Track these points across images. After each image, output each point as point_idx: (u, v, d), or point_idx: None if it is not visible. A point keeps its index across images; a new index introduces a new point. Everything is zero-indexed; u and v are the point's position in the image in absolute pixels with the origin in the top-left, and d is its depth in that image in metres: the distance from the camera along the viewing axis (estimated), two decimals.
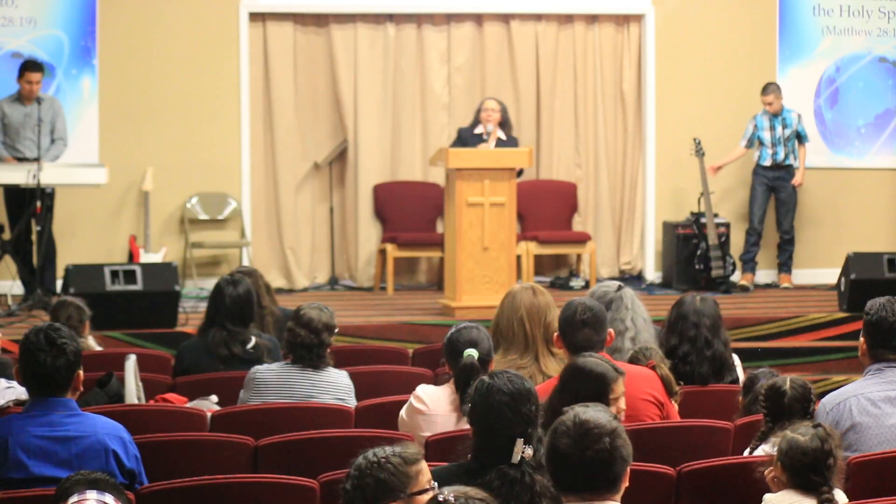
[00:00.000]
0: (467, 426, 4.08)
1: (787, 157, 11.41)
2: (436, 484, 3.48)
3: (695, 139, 11.33)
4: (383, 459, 3.44)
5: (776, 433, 4.61)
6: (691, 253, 11.42)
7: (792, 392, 4.70)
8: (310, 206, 11.78)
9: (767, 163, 11.40)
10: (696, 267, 11.29)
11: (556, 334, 5.43)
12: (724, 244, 11.32)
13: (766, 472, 4.21)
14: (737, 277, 11.49)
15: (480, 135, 10.49)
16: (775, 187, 11.44)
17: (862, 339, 5.00)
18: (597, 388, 4.50)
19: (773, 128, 11.38)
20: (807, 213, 12.03)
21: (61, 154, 10.34)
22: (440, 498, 3.14)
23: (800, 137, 11.46)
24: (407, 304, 10.67)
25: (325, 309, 5.95)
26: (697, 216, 11.43)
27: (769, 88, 11.40)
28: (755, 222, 11.42)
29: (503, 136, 10.54)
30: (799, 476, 4.08)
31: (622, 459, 3.42)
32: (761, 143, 11.41)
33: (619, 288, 6.08)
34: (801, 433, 4.13)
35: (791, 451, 4.09)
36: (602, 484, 3.41)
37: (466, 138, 10.47)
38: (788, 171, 11.42)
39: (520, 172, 10.16)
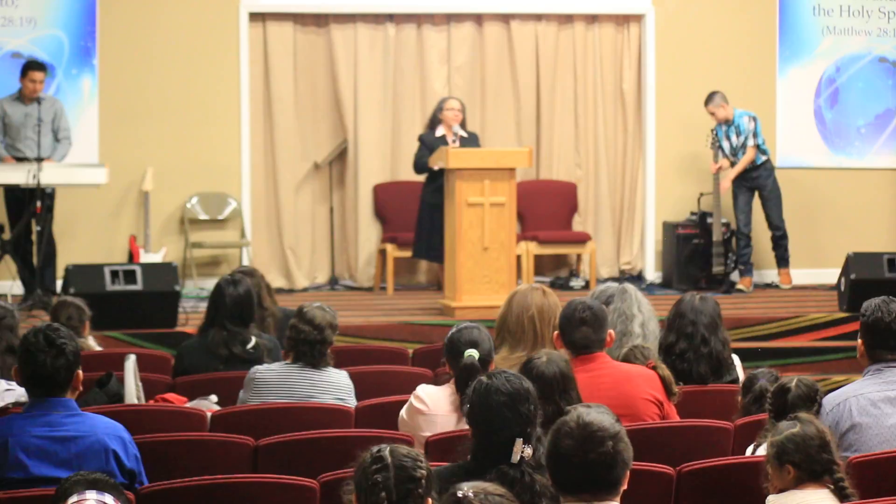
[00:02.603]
0: (454, 418, 4.08)
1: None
2: None
3: (712, 130, 11.28)
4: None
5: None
6: (691, 253, 11.42)
7: (796, 391, 4.71)
8: (310, 206, 11.78)
9: (733, 176, 11.31)
10: (699, 253, 11.27)
11: (555, 333, 5.43)
12: (727, 241, 11.29)
13: (769, 485, 4.18)
14: (735, 278, 11.48)
15: (443, 137, 10.48)
16: (755, 187, 11.37)
17: (860, 340, 5.01)
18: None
19: (728, 137, 11.31)
20: (807, 212, 12.02)
21: (68, 152, 10.35)
22: (459, 494, 3.13)
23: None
24: (407, 304, 10.67)
25: (328, 308, 5.95)
26: (704, 214, 11.39)
27: (709, 99, 11.25)
28: (741, 226, 11.37)
29: (465, 134, 10.55)
30: (816, 463, 4.08)
31: (623, 463, 3.42)
32: (724, 154, 11.35)
33: (621, 283, 6.27)
34: (789, 429, 4.13)
35: (799, 446, 4.08)
36: (602, 486, 3.41)
37: (432, 143, 10.43)
38: (764, 167, 11.33)
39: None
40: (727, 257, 11.28)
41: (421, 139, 10.68)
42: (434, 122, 10.65)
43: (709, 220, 11.36)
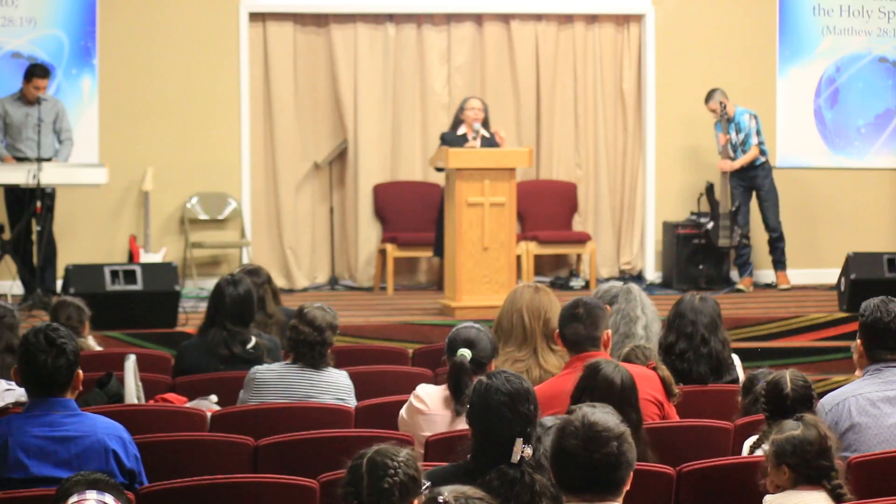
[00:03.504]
0: (461, 424, 4.08)
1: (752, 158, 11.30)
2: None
3: (721, 104, 11.25)
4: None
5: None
6: (691, 253, 11.42)
7: (794, 393, 4.71)
8: (310, 206, 11.79)
9: (736, 166, 11.30)
10: (707, 235, 11.27)
11: (556, 331, 5.45)
12: (734, 214, 11.23)
13: (766, 481, 4.20)
14: (735, 277, 11.49)
15: (464, 136, 10.48)
16: (753, 187, 11.35)
17: (858, 340, 5.01)
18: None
19: (727, 134, 11.29)
20: (806, 212, 12.03)
21: (71, 152, 10.35)
22: (440, 499, 3.13)
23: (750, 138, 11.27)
24: (407, 304, 10.67)
25: (329, 309, 5.95)
26: (711, 186, 11.35)
27: (709, 96, 11.24)
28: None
29: (487, 134, 10.55)
30: (811, 468, 4.08)
31: (627, 464, 3.41)
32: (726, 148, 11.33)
33: (626, 283, 6.29)
34: (791, 429, 4.14)
35: (796, 448, 4.09)
36: (605, 487, 3.40)
37: (452, 142, 10.42)
38: (762, 168, 11.31)
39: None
40: (732, 230, 11.22)
41: (442, 137, 10.68)
42: (457, 121, 10.66)
43: (716, 192, 11.30)
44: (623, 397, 4.43)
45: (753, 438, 4.85)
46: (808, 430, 4.12)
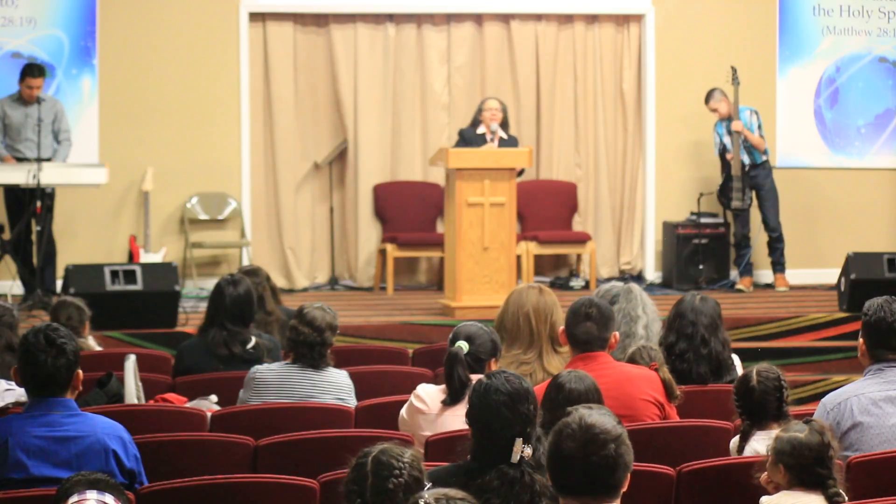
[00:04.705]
0: (451, 416, 4.07)
1: (753, 156, 11.28)
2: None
3: (732, 67, 11.23)
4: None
5: (756, 432, 4.66)
6: (691, 253, 11.42)
7: (760, 387, 4.72)
8: (310, 206, 11.79)
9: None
10: (720, 200, 11.29)
11: (561, 328, 5.45)
12: (745, 175, 11.22)
13: (761, 477, 4.21)
14: (735, 277, 11.49)
15: (483, 135, 10.49)
16: (753, 186, 11.34)
17: (861, 339, 5.01)
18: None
19: (729, 132, 11.26)
20: (807, 212, 12.02)
21: (69, 152, 10.35)
22: (421, 502, 3.13)
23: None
24: (407, 304, 10.67)
25: (328, 309, 5.95)
26: (724, 147, 11.33)
27: (708, 96, 11.26)
28: (740, 227, 11.37)
29: (504, 136, 10.56)
30: (805, 473, 4.08)
31: (625, 466, 3.40)
32: (727, 150, 11.30)
33: (627, 282, 6.30)
34: (796, 430, 4.14)
35: (794, 450, 4.09)
36: (603, 489, 3.38)
37: (470, 139, 10.46)
38: (763, 167, 11.31)
39: (520, 172, 10.17)
40: (744, 192, 11.19)
41: (460, 133, 10.71)
42: (475, 120, 10.66)
43: (728, 156, 11.27)
44: (572, 401, 4.42)
45: (735, 439, 4.87)
46: (812, 435, 4.11)
